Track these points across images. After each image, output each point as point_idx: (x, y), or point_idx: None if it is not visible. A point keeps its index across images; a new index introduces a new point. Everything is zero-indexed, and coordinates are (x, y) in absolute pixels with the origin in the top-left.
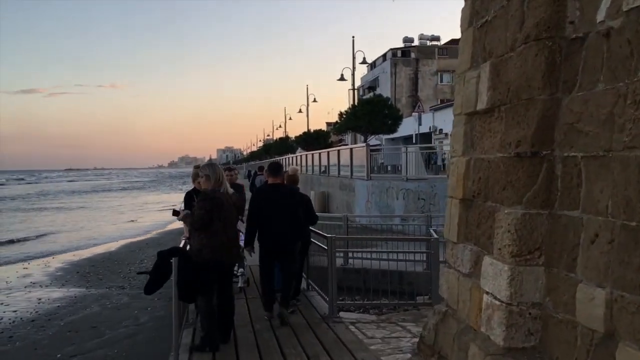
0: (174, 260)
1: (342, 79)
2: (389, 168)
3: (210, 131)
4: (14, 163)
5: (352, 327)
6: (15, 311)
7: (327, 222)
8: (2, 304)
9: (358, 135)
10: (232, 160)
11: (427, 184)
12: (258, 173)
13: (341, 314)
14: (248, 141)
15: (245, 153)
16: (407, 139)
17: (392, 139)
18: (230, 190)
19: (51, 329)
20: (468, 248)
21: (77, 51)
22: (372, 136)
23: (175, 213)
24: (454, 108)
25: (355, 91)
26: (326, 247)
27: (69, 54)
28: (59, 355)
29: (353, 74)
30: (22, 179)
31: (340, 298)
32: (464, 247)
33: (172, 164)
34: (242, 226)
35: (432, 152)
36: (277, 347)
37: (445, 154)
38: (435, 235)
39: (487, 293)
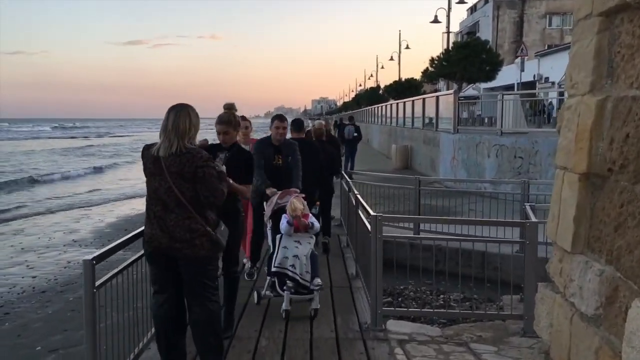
0: None
1: (435, 21)
2: (486, 120)
3: (306, 82)
4: (123, 111)
5: (398, 352)
6: (34, 277)
7: (396, 185)
8: (27, 266)
9: (453, 85)
10: (326, 111)
11: (527, 140)
12: (347, 123)
13: (389, 323)
14: (341, 91)
15: (338, 103)
16: (507, 89)
17: (491, 89)
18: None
19: (55, 306)
20: (595, 268)
21: (179, 2)
22: (469, 85)
23: None
24: (576, 10)
25: (452, 36)
26: (370, 229)
27: (172, 5)
28: (38, 348)
29: (448, 15)
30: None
31: (402, 286)
32: (585, 265)
33: (268, 114)
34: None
35: (536, 100)
36: None
37: (551, 104)
38: (533, 217)
39: None
